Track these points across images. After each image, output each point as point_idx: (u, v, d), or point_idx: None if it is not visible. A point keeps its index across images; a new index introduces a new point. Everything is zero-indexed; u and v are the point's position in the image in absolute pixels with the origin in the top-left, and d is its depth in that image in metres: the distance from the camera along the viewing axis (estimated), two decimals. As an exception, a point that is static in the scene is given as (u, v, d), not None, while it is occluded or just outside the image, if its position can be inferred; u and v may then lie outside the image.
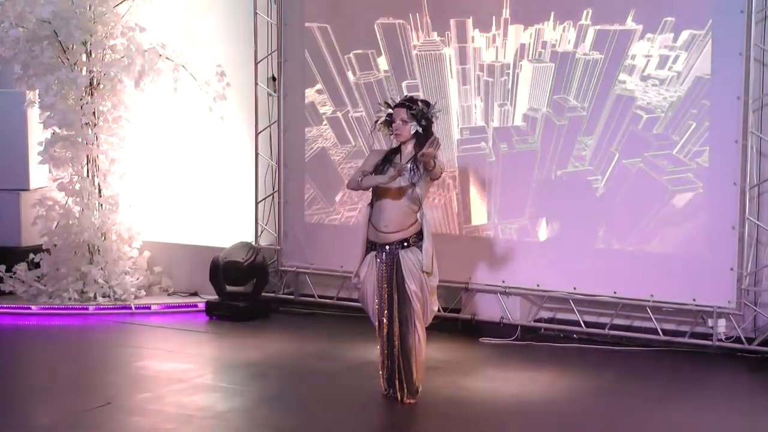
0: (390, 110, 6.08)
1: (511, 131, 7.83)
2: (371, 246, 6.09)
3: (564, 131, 7.65)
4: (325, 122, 8.68)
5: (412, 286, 6.01)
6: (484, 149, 7.92)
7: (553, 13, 7.64)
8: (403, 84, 8.23)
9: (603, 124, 7.55)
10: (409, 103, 6.05)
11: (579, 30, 7.55)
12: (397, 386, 6.07)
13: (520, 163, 7.84)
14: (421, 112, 6.01)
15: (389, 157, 6.05)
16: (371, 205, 6.11)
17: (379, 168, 5.99)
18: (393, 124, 6.04)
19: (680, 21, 7.23)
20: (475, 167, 7.98)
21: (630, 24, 7.38)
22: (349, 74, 8.52)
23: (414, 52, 8.17)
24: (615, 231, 7.56)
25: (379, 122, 6.16)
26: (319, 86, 8.67)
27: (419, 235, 6.02)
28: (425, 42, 8.13)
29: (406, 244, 6.01)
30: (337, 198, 8.59)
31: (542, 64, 7.70)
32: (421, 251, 6.00)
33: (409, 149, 6.02)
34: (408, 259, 6.00)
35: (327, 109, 8.67)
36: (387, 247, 6.01)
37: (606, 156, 7.56)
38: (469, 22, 7.94)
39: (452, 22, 8.02)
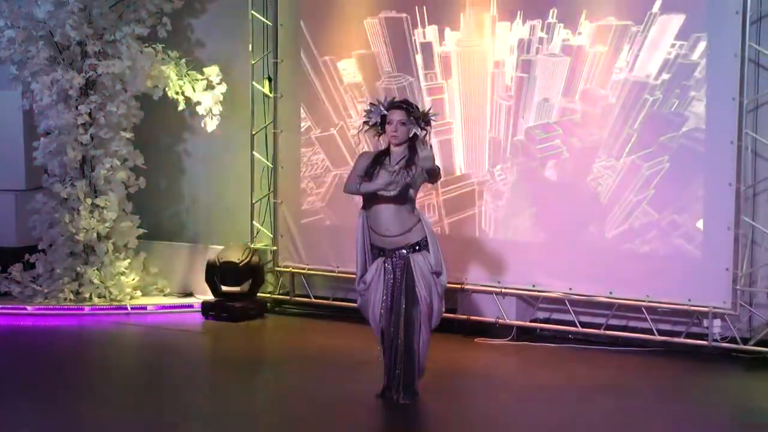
0: (382, 111, 6.00)
1: (570, 125, 7.65)
2: (379, 252, 6.04)
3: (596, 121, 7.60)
4: (312, 144, 8.68)
5: (422, 292, 5.98)
6: (559, 147, 7.70)
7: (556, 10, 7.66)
8: (423, 86, 8.11)
9: (606, 123, 7.57)
10: (406, 105, 6.03)
11: (584, 25, 7.56)
12: (394, 389, 6.06)
13: (586, 158, 7.67)
14: (422, 114, 6.00)
15: (379, 159, 6.01)
16: (364, 208, 6.08)
17: (370, 171, 5.96)
18: (388, 126, 5.99)
19: (676, 22, 7.24)
20: (555, 167, 7.77)
21: (626, 22, 7.38)
22: (356, 78, 8.44)
23: (455, 49, 7.97)
24: (610, 231, 7.56)
25: (370, 123, 6.07)
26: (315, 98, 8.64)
27: (425, 238, 6.00)
28: (463, 39, 7.95)
29: (417, 248, 5.99)
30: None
31: (558, 57, 7.64)
32: (429, 253, 5.99)
33: (399, 151, 5.99)
34: (419, 263, 5.98)
35: (321, 126, 8.64)
36: (397, 251, 5.98)
37: (603, 156, 7.57)
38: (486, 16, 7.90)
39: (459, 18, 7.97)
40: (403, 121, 5.95)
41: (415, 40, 8.15)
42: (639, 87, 7.38)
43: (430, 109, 6.16)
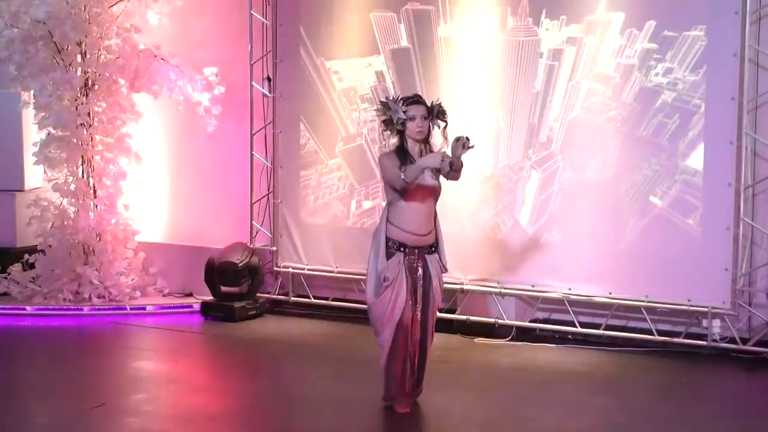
0: (402, 107, 5.82)
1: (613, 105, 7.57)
2: (398, 247, 5.86)
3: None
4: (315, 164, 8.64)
5: (438, 294, 5.97)
6: (615, 118, 7.55)
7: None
8: (458, 77, 8.01)
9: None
10: (422, 100, 5.92)
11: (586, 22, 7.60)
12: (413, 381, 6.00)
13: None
14: (439, 108, 5.90)
15: (403, 158, 5.82)
16: (391, 204, 5.88)
17: (401, 170, 5.76)
18: (411, 122, 5.81)
19: (675, 22, 7.24)
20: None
21: (624, 21, 7.40)
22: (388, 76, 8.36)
23: (504, 38, 7.84)
24: (610, 231, 7.56)
25: (394, 120, 5.83)
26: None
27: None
28: (516, 27, 7.81)
29: (432, 249, 5.95)
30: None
31: (571, 47, 7.63)
32: (439, 253, 5.96)
33: (418, 148, 5.87)
34: (434, 262, 5.93)
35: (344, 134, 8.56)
36: (417, 249, 5.87)
37: (600, 155, 7.58)
38: (509, 10, 7.83)
39: (494, 10, 7.87)
40: (425, 115, 5.86)
41: (436, 31, 8.10)
42: (632, 73, 7.41)
43: (441, 102, 6.00)
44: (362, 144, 8.47)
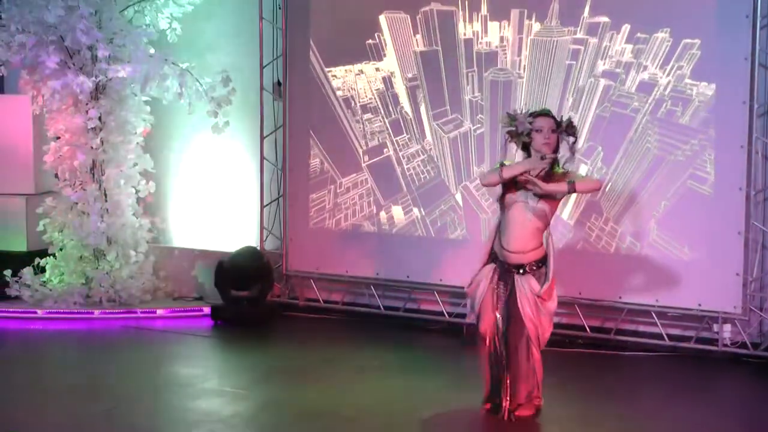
0: (528, 119, 5.71)
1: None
2: (494, 258, 5.85)
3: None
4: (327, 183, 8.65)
5: (527, 311, 5.76)
6: (635, 106, 7.52)
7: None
8: (485, 75, 7.98)
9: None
10: (551, 113, 5.82)
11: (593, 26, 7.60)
12: (503, 396, 5.91)
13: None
14: (569, 122, 5.78)
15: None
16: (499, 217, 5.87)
17: (516, 185, 5.69)
18: (537, 134, 5.68)
19: (686, 26, 7.23)
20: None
21: (637, 25, 7.39)
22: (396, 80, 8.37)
23: (530, 38, 7.81)
24: (620, 235, 7.55)
25: (519, 131, 5.73)
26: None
27: (540, 261, 5.78)
28: (544, 29, 7.77)
29: (522, 271, 5.77)
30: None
31: (579, 47, 7.66)
32: (536, 278, 5.77)
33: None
34: (523, 285, 5.76)
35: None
36: (507, 265, 5.77)
37: (611, 159, 7.57)
38: (525, 12, 7.83)
39: (513, 12, 7.86)
40: (553, 128, 5.71)
41: (459, 33, 8.08)
42: (647, 86, 7.41)
43: (570, 117, 5.95)
44: (390, 156, 8.45)
